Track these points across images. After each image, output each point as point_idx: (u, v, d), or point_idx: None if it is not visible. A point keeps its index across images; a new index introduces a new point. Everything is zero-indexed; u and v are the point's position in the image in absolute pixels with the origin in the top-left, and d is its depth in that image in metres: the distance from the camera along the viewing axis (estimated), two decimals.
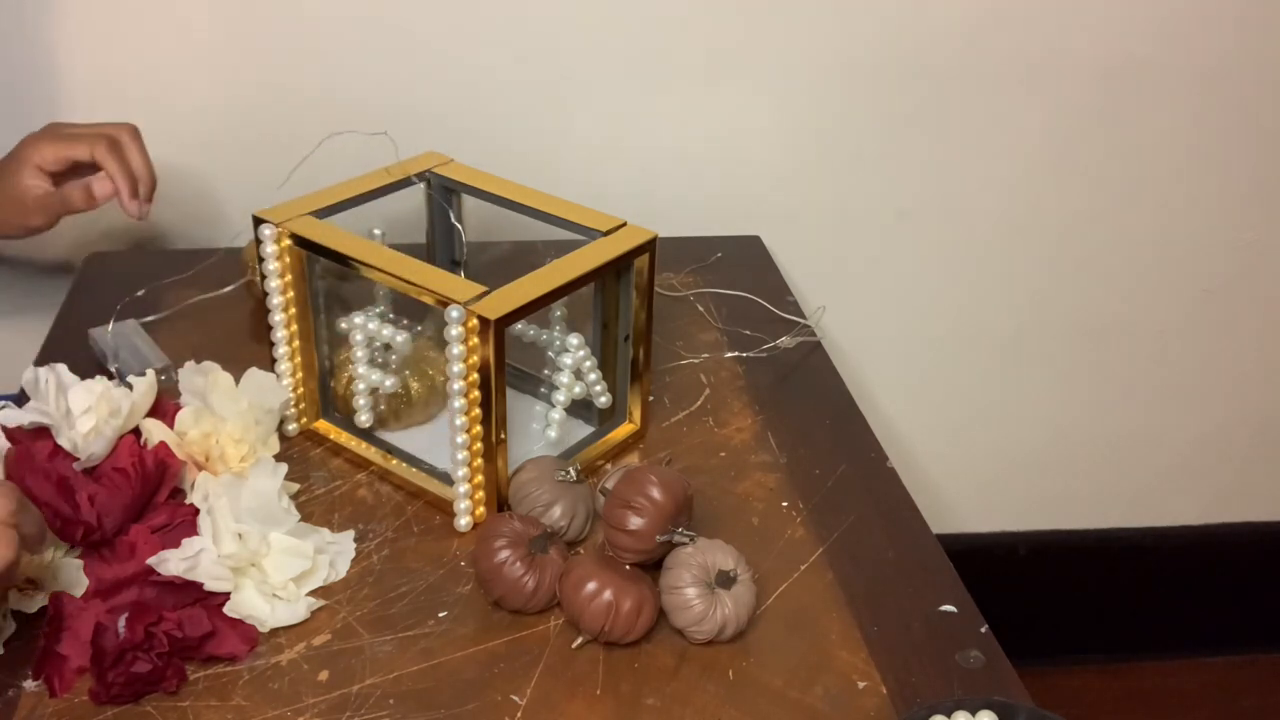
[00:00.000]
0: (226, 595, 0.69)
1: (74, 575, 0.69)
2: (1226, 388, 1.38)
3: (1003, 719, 0.62)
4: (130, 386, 0.76)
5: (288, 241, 0.78)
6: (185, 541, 0.70)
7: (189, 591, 0.68)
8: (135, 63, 1.05)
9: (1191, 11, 1.14)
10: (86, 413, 0.74)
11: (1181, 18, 1.14)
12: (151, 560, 0.68)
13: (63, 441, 0.73)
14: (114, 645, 0.64)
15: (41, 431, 0.74)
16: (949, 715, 0.62)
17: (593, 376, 0.81)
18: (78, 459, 0.72)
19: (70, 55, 1.04)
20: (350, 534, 0.76)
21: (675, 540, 0.70)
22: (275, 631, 0.69)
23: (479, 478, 0.76)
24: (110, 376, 0.84)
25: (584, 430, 0.86)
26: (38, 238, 0.96)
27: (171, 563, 0.68)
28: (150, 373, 0.78)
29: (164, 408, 0.77)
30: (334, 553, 0.74)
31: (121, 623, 0.65)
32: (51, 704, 0.64)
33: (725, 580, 0.68)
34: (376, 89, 1.08)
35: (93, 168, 0.92)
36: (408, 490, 0.80)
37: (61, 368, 0.75)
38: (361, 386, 0.81)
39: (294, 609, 0.69)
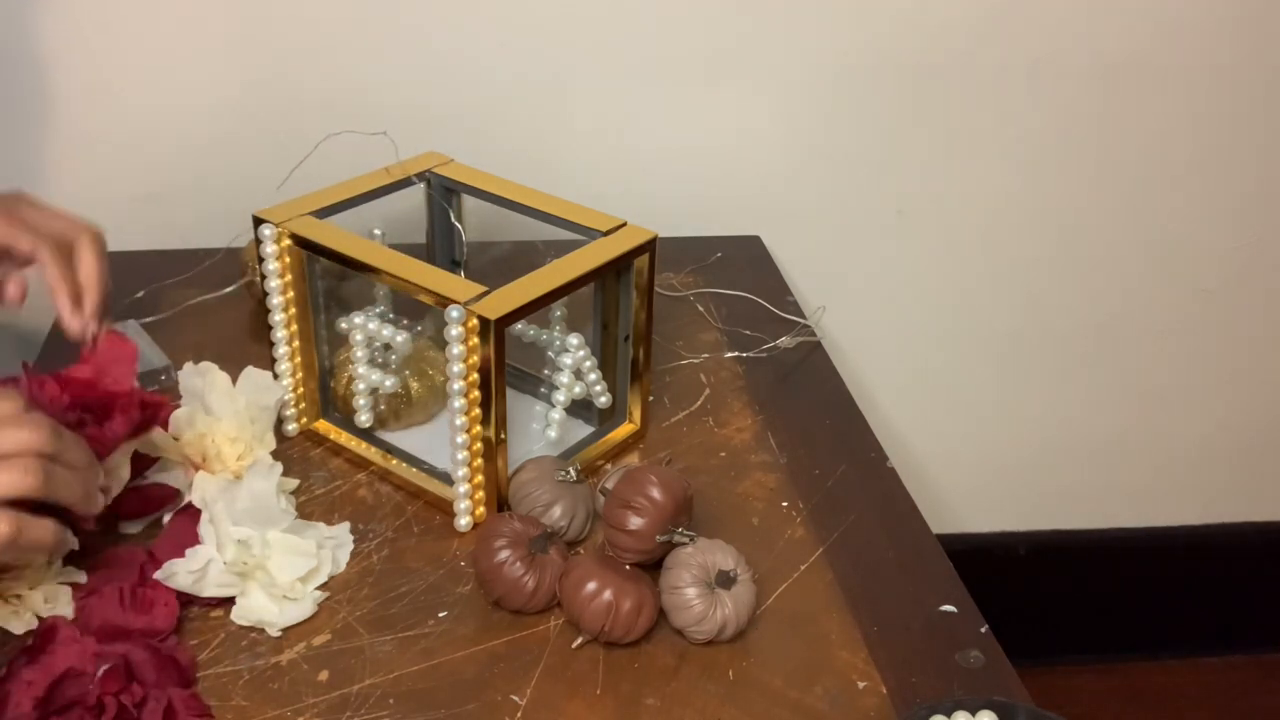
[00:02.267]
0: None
1: (63, 604, 0.67)
2: (1226, 388, 1.38)
3: (1003, 719, 0.62)
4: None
5: (288, 241, 0.78)
6: (190, 551, 0.69)
7: (172, 672, 0.64)
8: (134, 62, 1.05)
9: (1191, 11, 1.14)
10: None
11: (1181, 17, 1.14)
12: (159, 574, 0.68)
13: None
14: (75, 693, 0.61)
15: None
16: (949, 715, 0.62)
17: (593, 376, 0.81)
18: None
19: (69, 54, 1.04)
20: (345, 525, 0.75)
21: (675, 540, 0.70)
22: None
23: (479, 478, 0.76)
24: None
25: (584, 430, 0.86)
26: None
27: (180, 576, 0.68)
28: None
29: (160, 410, 0.77)
30: (333, 546, 0.73)
31: (100, 672, 0.62)
32: None
33: (725, 580, 0.68)
34: (376, 89, 1.08)
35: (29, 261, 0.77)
36: (408, 490, 0.80)
37: None
38: (361, 386, 0.81)
39: (301, 606, 0.69)
